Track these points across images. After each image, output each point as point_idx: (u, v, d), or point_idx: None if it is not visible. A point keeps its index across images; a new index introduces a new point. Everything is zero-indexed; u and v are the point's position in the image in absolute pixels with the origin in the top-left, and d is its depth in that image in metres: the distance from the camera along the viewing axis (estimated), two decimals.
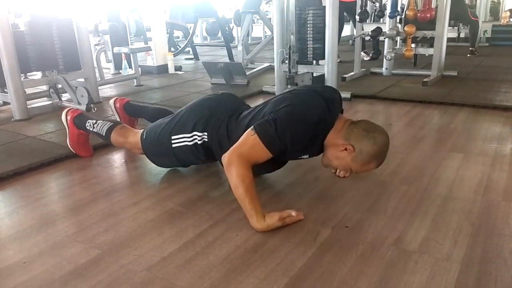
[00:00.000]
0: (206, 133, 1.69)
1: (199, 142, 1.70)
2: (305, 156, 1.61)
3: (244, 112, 1.68)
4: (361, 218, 1.48)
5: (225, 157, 1.43)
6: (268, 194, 1.70)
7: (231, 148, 1.45)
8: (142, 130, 1.91)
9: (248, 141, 1.44)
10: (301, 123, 1.45)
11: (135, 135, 1.92)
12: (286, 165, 1.79)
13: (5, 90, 3.00)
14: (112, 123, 2.01)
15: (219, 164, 1.75)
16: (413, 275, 1.16)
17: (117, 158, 2.20)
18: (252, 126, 1.46)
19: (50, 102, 3.31)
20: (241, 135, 1.50)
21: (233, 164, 1.40)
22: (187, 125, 1.72)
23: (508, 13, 6.98)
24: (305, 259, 1.24)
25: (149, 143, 1.84)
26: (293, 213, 1.42)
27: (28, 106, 3.05)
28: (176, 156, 1.77)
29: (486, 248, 1.27)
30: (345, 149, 1.48)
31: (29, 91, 3.27)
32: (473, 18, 5.43)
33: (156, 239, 1.38)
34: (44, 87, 3.47)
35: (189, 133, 1.71)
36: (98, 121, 2.04)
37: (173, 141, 1.74)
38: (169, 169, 1.98)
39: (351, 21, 5.82)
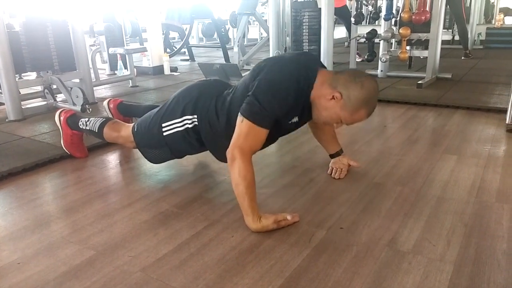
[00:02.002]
0: (195, 116, 1.67)
1: (190, 126, 1.68)
2: (295, 119, 1.56)
3: (228, 90, 1.68)
4: (355, 219, 1.48)
5: (228, 153, 1.43)
6: (263, 195, 1.70)
7: (231, 143, 1.44)
8: (133, 123, 1.90)
9: (241, 129, 1.43)
10: (282, 87, 1.44)
11: (127, 129, 1.90)
12: (281, 166, 1.80)
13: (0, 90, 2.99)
14: (104, 119, 2.00)
15: (209, 151, 1.75)
16: (406, 275, 1.17)
17: (112, 159, 2.20)
18: (239, 113, 1.45)
19: (45, 102, 3.30)
20: (226, 111, 1.53)
21: (236, 160, 1.39)
22: (176, 110, 1.71)
23: (502, 16, 7.03)
24: (300, 260, 1.25)
25: (141, 135, 1.83)
26: (289, 217, 1.42)
27: (23, 107, 3.04)
28: (168, 145, 1.75)
29: (479, 249, 1.28)
30: (333, 97, 1.46)
31: (23, 91, 3.26)
32: (463, 11, 5.41)
33: (151, 240, 1.38)
34: (39, 88, 3.46)
35: (180, 117, 1.69)
36: (91, 119, 2.03)
37: (164, 129, 1.72)
38: (164, 170, 1.98)
39: (344, 24, 5.84)
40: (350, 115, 1.50)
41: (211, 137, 1.67)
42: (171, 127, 1.71)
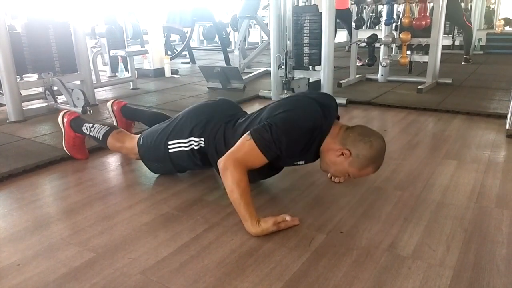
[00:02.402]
0: (203, 139, 1.70)
1: (195, 148, 1.71)
2: (300, 162, 1.62)
3: (241, 119, 1.69)
4: (355, 224, 1.49)
5: (220, 162, 1.44)
6: (264, 198, 1.70)
7: (227, 153, 1.45)
8: (139, 136, 1.91)
9: (244, 146, 1.45)
10: (296, 129, 1.46)
11: (132, 140, 1.92)
12: (282, 170, 1.80)
13: (1, 91, 2.99)
14: (109, 128, 2.01)
15: (215, 170, 1.75)
16: (406, 280, 1.17)
17: (113, 161, 2.20)
18: (248, 131, 1.47)
19: (46, 104, 3.31)
20: (236, 140, 1.51)
21: (228, 169, 1.40)
22: (184, 130, 1.73)
23: (503, 22, 7.06)
24: (299, 264, 1.25)
25: (145, 148, 1.84)
26: (288, 218, 1.43)
27: (24, 108, 3.04)
28: (172, 161, 1.77)
29: (479, 254, 1.28)
30: (342, 154, 1.49)
31: (24, 92, 3.27)
32: (468, 23, 5.47)
33: (151, 242, 1.38)
34: (40, 89, 3.46)
35: (186, 138, 1.71)
36: (95, 125, 2.04)
37: (169, 146, 1.74)
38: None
39: (346, 28, 5.86)
40: (357, 171, 1.52)
41: (216, 161, 1.66)
42: (177, 145, 1.73)
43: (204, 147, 1.70)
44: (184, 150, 1.72)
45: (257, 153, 1.43)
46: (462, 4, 5.65)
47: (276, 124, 1.45)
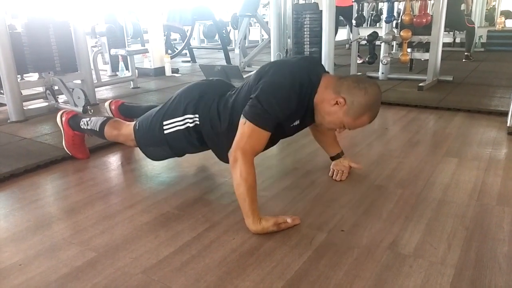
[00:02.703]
0: (197, 115, 1.68)
1: (191, 125, 1.69)
2: (296, 123, 1.57)
3: (231, 92, 1.69)
4: (356, 222, 1.48)
5: (230, 154, 1.43)
6: (264, 197, 1.70)
7: (233, 144, 1.44)
8: (134, 122, 1.91)
9: (244, 131, 1.44)
10: (283, 88, 1.45)
11: (128, 127, 1.91)
12: (282, 168, 1.80)
13: (1, 91, 2.99)
14: (105, 118, 2.01)
15: (212, 151, 1.75)
16: (407, 278, 1.17)
17: (114, 160, 2.20)
18: (242, 114, 1.46)
19: (47, 103, 3.31)
20: (229, 113, 1.54)
21: (238, 161, 1.39)
22: (178, 109, 1.71)
23: (503, 19, 7.04)
24: (301, 263, 1.25)
25: (141, 133, 1.83)
26: (289, 220, 1.42)
27: (24, 108, 3.04)
28: (169, 143, 1.75)
29: (480, 252, 1.28)
30: (336, 102, 1.47)
31: (25, 92, 3.27)
32: (469, 25, 5.46)
33: (152, 242, 1.38)
34: (41, 89, 3.46)
35: (181, 116, 1.70)
36: (92, 118, 2.03)
37: (165, 127, 1.72)
38: (165, 171, 1.98)
39: (347, 25, 5.85)
40: (353, 120, 1.50)
41: (212, 137, 1.67)
42: (172, 125, 1.72)
43: (199, 124, 1.68)
44: (179, 129, 1.70)
45: (258, 131, 1.43)
46: (462, 7, 5.62)
47: (262, 92, 1.44)
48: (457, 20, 5.19)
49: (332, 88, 1.49)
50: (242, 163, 1.39)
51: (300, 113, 1.54)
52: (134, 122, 1.90)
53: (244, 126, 1.44)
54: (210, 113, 1.66)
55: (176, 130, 1.71)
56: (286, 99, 1.45)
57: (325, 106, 1.51)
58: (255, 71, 1.61)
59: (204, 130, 1.68)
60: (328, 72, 1.63)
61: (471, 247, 1.31)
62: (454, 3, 4.76)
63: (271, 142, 1.62)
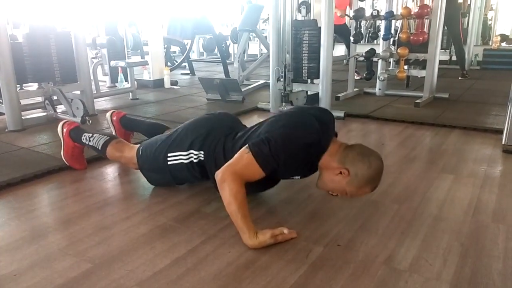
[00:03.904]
0: (202, 152, 1.71)
1: (195, 161, 1.72)
2: (296, 177, 1.64)
3: (240, 132, 1.70)
4: (352, 237, 1.49)
5: (218, 174, 1.45)
6: (261, 211, 1.70)
7: (225, 165, 1.46)
8: (138, 146, 1.92)
9: (243, 159, 1.46)
10: (295, 145, 1.48)
11: (131, 150, 1.92)
12: (279, 182, 1.81)
13: (0, 100, 3.00)
14: (108, 137, 2.02)
15: (212, 184, 1.75)
16: None
17: (111, 172, 2.20)
18: (247, 145, 1.48)
19: (45, 113, 3.32)
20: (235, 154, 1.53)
21: (226, 181, 1.41)
22: (184, 143, 1.74)
23: (499, 38, 7.14)
24: (296, 277, 1.25)
25: (144, 159, 1.85)
26: (286, 231, 1.43)
27: (23, 117, 3.05)
28: (171, 173, 1.78)
29: (475, 269, 1.29)
30: (340, 172, 1.50)
31: (24, 102, 3.28)
32: (461, 32, 5.48)
33: (148, 254, 1.38)
34: (40, 98, 3.47)
35: (186, 151, 1.72)
36: (94, 135, 2.04)
37: (169, 158, 1.75)
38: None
39: (344, 42, 5.92)
40: (355, 190, 1.52)
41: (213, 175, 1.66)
42: (176, 158, 1.74)
43: (204, 160, 1.71)
44: (183, 162, 1.73)
45: (255, 166, 1.44)
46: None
47: (275, 139, 1.46)
48: (454, 15, 5.17)
49: (338, 157, 1.52)
50: (231, 182, 1.41)
51: (303, 171, 1.60)
52: (137, 146, 1.91)
53: (245, 154, 1.46)
54: (215, 152, 1.68)
55: (180, 163, 1.74)
56: (292, 157, 1.48)
57: (329, 173, 1.54)
58: (272, 117, 1.65)
59: (208, 166, 1.70)
60: (336, 136, 1.66)
61: (466, 263, 1.32)
62: None
63: (271, 183, 1.72)
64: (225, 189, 1.41)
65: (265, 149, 1.44)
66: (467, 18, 6.72)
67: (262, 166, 1.45)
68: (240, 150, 1.49)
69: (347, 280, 1.23)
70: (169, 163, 1.75)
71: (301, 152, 1.49)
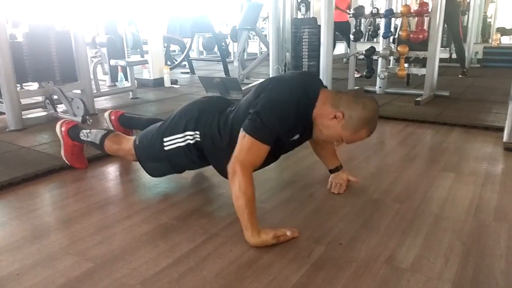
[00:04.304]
0: (198, 132, 1.69)
1: (191, 142, 1.70)
2: (296, 137, 1.60)
3: (231, 108, 1.70)
4: (354, 236, 1.49)
5: (229, 167, 1.44)
6: (263, 209, 1.70)
7: (232, 157, 1.45)
8: (135, 137, 1.91)
9: (243, 144, 1.45)
10: (282, 104, 1.47)
11: (129, 142, 1.92)
12: (280, 181, 1.81)
13: (0, 100, 3.00)
14: (106, 131, 2.02)
15: (213, 166, 1.76)
16: None
17: (112, 170, 2.20)
18: (241, 128, 1.48)
19: (46, 113, 3.31)
20: (229, 129, 1.56)
21: (236, 174, 1.40)
22: (178, 126, 1.73)
23: (499, 35, 7.14)
24: (298, 276, 1.25)
25: (142, 149, 1.84)
26: (288, 233, 1.43)
27: (23, 117, 3.05)
28: (169, 159, 1.76)
29: (477, 268, 1.29)
30: (335, 116, 1.49)
31: (24, 101, 3.27)
32: (460, 30, 5.48)
33: (150, 253, 1.38)
34: (40, 98, 3.47)
35: (181, 133, 1.71)
36: (92, 131, 2.04)
37: (165, 144, 1.74)
38: (163, 182, 1.98)
39: (345, 40, 5.92)
40: (351, 134, 1.52)
41: (213, 153, 1.68)
42: (172, 142, 1.73)
43: (200, 140, 1.69)
44: (180, 146, 1.72)
45: (257, 145, 1.44)
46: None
47: (262, 107, 1.46)
48: (453, 13, 5.16)
49: (330, 102, 1.52)
50: (241, 176, 1.40)
51: (299, 127, 1.56)
52: (134, 137, 1.91)
53: (243, 139, 1.45)
54: (210, 129, 1.67)
55: (176, 147, 1.73)
56: (285, 114, 1.47)
57: (323, 120, 1.53)
58: (254, 85, 1.64)
59: (205, 146, 1.69)
60: (326, 87, 1.65)
61: (468, 262, 1.32)
62: None
63: (271, 158, 1.65)
64: (235, 183, 1.40)
65: (258, 123, 1.44)
66: (466, 15, 6.72)
67: (263, 141, 1.44)
68: (238, 138, 1.48)
69: (349, 279, 1.23)
70: (165, 148, 1.74)
71: (292, 108, 1.47)
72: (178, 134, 1.72)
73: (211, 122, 1.68)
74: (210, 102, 1.82)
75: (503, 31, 7.35)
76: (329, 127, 1.53)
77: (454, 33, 5.52)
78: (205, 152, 1.70)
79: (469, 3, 6.54)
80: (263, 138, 1.44)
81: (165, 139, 1.74)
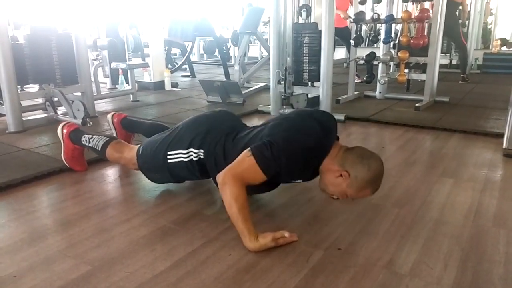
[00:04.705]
0: (202, 150, 1.70)
1: (194, 159, 1.71)
2: (298, 181, 1.64)
3: (241, 133, 1.70)
4: (353, 241, 1.49)
5: (219, 176, 1.45)
6: (261, 214, 1.70)
7: (226, 168, 1.46)
8: (138, 146, 1.92)
9: (244, 162, 1.45)
10: (296, 149, 1.47)
11: (131, 151, 1.92)
12: (279, 185, 1.81)
13: (1, 101, 3.00)
14: (108, 138, 2.02)
15: (213, 182, 1.76)
16: None
17: (111, 173, 2.20)
18: (249, 148, 1.48)
19: (46, 115, 3.32)
20: (238, 153, 1.52)
21: (227, 184, 1.41)
22: (183, 141, 1.73)
23: (499, 42, 7.16)
24: (297, 281, 1.25)
25: (144, 159, 1.85)
26: (286, 234, 1.43)
27: (23, 119, 3.05)
28: (170, 172, 1.77)
29: (476, 273, 1.28)
30: (340, 175, 1.50)
31: (24, 103, 3.28)
32: (463, 40, 5.51)
33: (148, 256, 1.38)
34: (40, 100, 3.48)
35: (185, 149, 1.72)
36: (94, 136, 2.04)
37: (168, 157, 1.75)
38: (162, 185, 1.98)
39: (345, 45, 5.93)
40: (355, 192, 1.52)
41: (214, 172, 1.64)
42: (176, 156, 1.74)
43: (203, 158, 1.70)
44: (183, 161, 1.73)
45: (256, 169, 1.44)
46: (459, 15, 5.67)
47: (277, 143, 1.46)
48: (452, 27, 5.19)
49: (338, 160, 1.52)
50: (232, 184, 1.40)
51: (305, 175, 1.60)
52: (137, 146, 1.91)
53: (246, 158, 1.46)
54: (215, 150, 1.68)
55: (179, 161, 1.73)
56: (294, 161, 1.48)
57: (329, 176, 1.54)
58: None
59: (208, 164, 1.70)
60: (338, 139, 1.65)
61: (467, 268, 1.32)
62: (450, 8, 4.77)
63: (267, 188, 1.71)
64: (226, 192, 1.41)
65: (267, 153, 1.44)
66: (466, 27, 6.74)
67: (263, 170, 1.44)
68: (242, 153, 1.49)
69: (348, 284, 1.23)
70: (169, 161, 1.74)
71: (303, 156, 1.49)
72: (183, 150, 1.72)
73: (216, 143, 1.68)
74: (218, 119, 1.82)
75: (504, 42, 7.36)
76: (334, 184, 1.54)
77: (457, 42, 5.56)
78: (207, 169, 1.71)
79: (469, 12, 6.55)
80: (266, 167, 1.45)
81: (169, 152, 1.75)
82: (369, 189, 1.52)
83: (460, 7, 5.40)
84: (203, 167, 1.72)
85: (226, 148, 1.66)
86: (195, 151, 1.71)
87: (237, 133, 1.71)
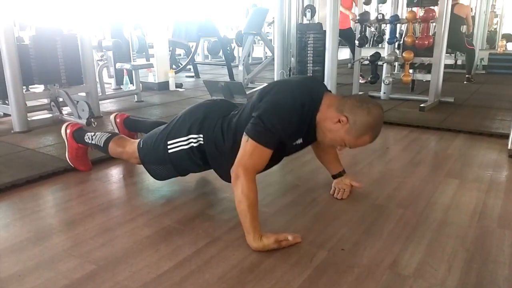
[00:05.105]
0: (201, 135, 1.69)
1: (195, 145, 1.71)
2: (299, 141, 1.60)
3: (234, 112, 1.70)
4: (357, 241, 1.48)
5: (232, 171, 1.45)
6: (265, 213, 1.70)
7: (236, 162, 1.46)
8: (139, 140, 1.92)
9: (246, 148, 1.45)
10: (285, 108, 1.47)
11: (132, 145, 1.93)
12: (283, 185, 1.81)
13: (6, 102, 3.02)
14: (110, 134, 2.03)
15: (214, 170, 1.76)
16: None
17: (115, 173, 2.21)
18: (244, 132, 1.48)
19: (51, 115, 3.33)
20: (233, 133, 1.56)
21: (239, 178, 1.41)
22: (182, 129, 1.73)
23: (505, 42, 7.12)
24: (300, 281, 1.25)
25: (145, 151, 1.84)
26: (290, 237, 1.42)
27: (29, 119, 3.07)
28: (172, 162, 1.76)
29: (481, 275, 1.28)
30: (339, 121, 1.49)
31: (30, 103, 3.30)
32: (469, 46, 5.53)
33: (152, 256, 1.38)
34: (45, 100, 3.50)
35: (185, 136, 1.71)
36: (97, 133, 2.06)
37: (169, 146, 1.74)
38: (166, 185, 1.99)
39: (348, 46, 5.92)
40: (354, 139, 1.52)
41: (216, 157, 1.68)
42: (176, 145, 1.73)
43: (203, 143, 1.70)
44: (183, 149, 1.72)
45: (260, 149, 1.44)
46: (463, 30, 5.68)
47: (264, 111, 1.46)
48: (457, 42, 5.25)
49: (335, 106, 1.52)
50: (244, 180, 1.40)
51: (302, 131, 1.56)
52: (138, 140, 1.92)
53: (246, 143, 1.46)
54: (214, 133, 1.68)
55: (180, 150, 1.73)
56: (288, 118, 1.47)
57: (327, 124, 1.53)
58: (258, 89, 1.64)
59: (208, 149, 1.70)
60: (330, 91, 1.65)
61: (471, 269, 1.31)
62: (455, 24, 4.82)
63: (274, 160, 1.63)
64: (238, 187, 1.40)
65: (260, 127, 1.44)
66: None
67: (265, 145, 1.44)
68: (242, 141, 1.48)
69: (351, 285, 1.23)
70: (169, 151, 1.74)
71: (295, 112, 1.47)
72: (182, 137, 1.72)
73: (214, 126, 1.68)
74: (215, 105, 1.82)
75: (508, 38, 7.32)
76: (332, 131, 1.53)
77: (463, 49, 5.57)
78: (207, 155, 1.71)
79: (473, 16, 6.52)
80: (266, 141, 1.45)
81: (169, 142, 1.74)
82: (368, 135, 1.51)
83: (465, 22, 5.43)
84: (204, 154, 1.71)
85: (223, 128, 1.66)
86: (195, 136, 1.70)
87: (232, 114, 1.70)
